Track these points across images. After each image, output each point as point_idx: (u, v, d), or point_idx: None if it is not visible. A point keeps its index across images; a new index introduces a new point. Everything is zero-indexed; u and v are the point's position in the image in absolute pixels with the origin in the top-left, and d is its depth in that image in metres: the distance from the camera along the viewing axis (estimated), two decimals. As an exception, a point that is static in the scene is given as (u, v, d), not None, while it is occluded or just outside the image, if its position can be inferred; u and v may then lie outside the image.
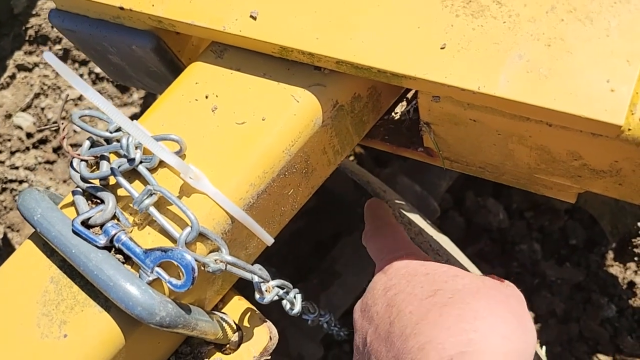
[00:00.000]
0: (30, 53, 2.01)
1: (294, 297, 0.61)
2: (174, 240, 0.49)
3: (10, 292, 0.50)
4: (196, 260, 0.47)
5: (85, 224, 0.49)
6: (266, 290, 0.56)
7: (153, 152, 0.48)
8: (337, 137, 0.55)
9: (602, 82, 0.41)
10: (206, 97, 0.52)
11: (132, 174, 0.50)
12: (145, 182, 0.50)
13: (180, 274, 0.48)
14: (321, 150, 0.55)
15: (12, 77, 2.01)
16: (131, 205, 0.50)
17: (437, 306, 0.45)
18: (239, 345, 0.58)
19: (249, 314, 0.59)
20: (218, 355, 0.58)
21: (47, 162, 1.94)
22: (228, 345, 0.58)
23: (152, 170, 0.50)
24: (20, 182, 1.90)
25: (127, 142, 0.49)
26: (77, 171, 0.52)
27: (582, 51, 0.42)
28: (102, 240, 0.48)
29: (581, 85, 0.42)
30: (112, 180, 0.52)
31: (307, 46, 0.48)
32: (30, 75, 2.01)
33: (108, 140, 0.52)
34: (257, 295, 0.55)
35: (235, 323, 0.59)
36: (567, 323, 1.43)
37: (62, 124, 0.52)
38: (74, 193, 0.51)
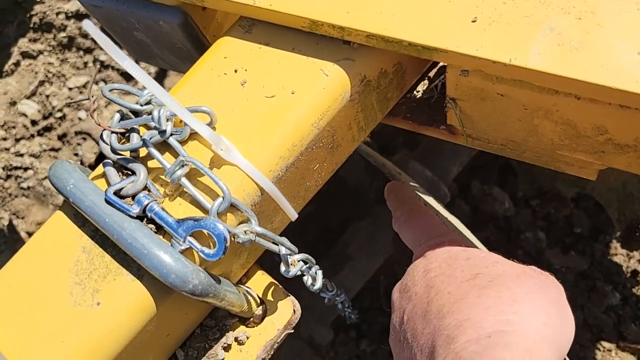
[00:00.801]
0: (35, 40, 2.01)
1: (316, 273, 0.61)
2: (205, 210, 0.49)
3: (42, 261, 0.50)
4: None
5: (117, 194, 0.49)
6: (291, 264, 0.56)
7: (187, 124, 0.48)
8: (362, 113, 0.56)
9: (632, 54, 0.42)
10: (235, 71, 0.53)
11: (162, 146, 0.51)
12: (175, 154, 0.50)
13: (211, 243, 0.49)
14: (347, 126, 0.55)
15: (17, 64, 2.01)
16: (162, 176, 0.51)
17: (476, 288, 0.46)
18: (262, 319, 0.59)
19: (272, 288, 0.60)
20: (242, 328, 0.58)
21: (52, 149, 1.94)
22: (252, 319, 0.59)
23: (182, 142, 0.51)
24: (25, 169, 1.91)
25: (159, 114, 0.49)
26: (107, 143, 0.52)
27: (613, 24, 0.43)
28: (136, 209, 0.48)
29: (612, 58, 0.42)
30: (142, 153, 0.52)
31: (337, 20, 0.49)
32: (34, 63, 2.00)
33: (138, 113, 0.52)
34: (282, 268, 0.56)
35: (258, 297, 0.60)
36: (572, 310, 1.45)
37: (93, 97, 0.52)
38: (104, 165, 0.52)
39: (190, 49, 0.61)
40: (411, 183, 0.85)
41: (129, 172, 0.52)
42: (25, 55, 1.98)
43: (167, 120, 0.50)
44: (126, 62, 0.44)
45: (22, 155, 1.91)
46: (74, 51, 2.00)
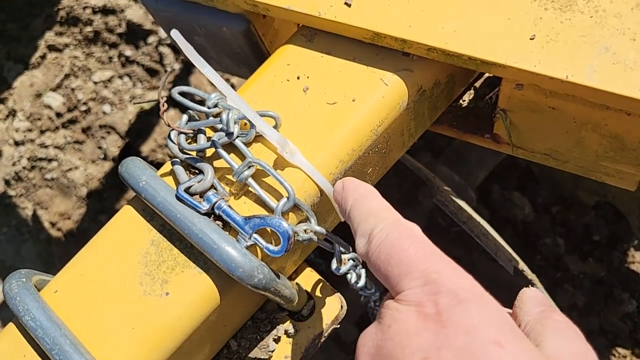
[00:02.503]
0: (61, 34, 2.04)
1: (360, 272, 0.64)
2: (268, 209, 0.52)
3: (112, 252, 0.53)
4: (290, 228, 0.51)
5: (186, 191, 0.52)
6: (342, 263, 0.59)
7: (255, 127, 0.51)
8: (414, 121, 0.59)
9: (684, 75, 0.45)
10: (297, 78, 0.56)
11: (228, 148, 0.54)
12: (240, 155, 0.53)
13: (274, 240, 0.52)
14: (400, 133, 0.58)
15: (43, 57, 2.04)
16: (227, 176, 0.54)
17: None
18: (310, 314, 0.62)
19: (320, 284, 0.63)
20: (291, 322, 0.61)
21: (76, 142, 1.97)
22: (301, 313, 0.62)
23: (246, 144, 0.54)
24: (50, 160, 1.94)
25: (228, 117, 0.52)
26: (175, 143, 0.55)
27: (666, 46, 0.46)
28: (205, 206, 0.51)
29: (664, 78, 0.45)
30: (207, 153, 0.55)
31: (400, 33, 0.52)
32: (60, 56, 2.04)
33: (205, 116, 0.55)
34: (334, 266, 0.59)
35: (307, 292, 0.62)
36: (588, 316, 1.47)
37: (163, 98, 0.55)
38: (172, 163, 0.55)
39: (248, 54, 0.64)
40: (445, 187, 0.88)
41: (196, 171, 0.55)
42: (51, 48, 2.01)
43: (235, 123, 0.53)
44: (206, 70, 0.47)
45: (46, 146, 1.95)
46: (100, 45, 2.03)
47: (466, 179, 1.09)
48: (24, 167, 1.91)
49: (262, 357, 0.60)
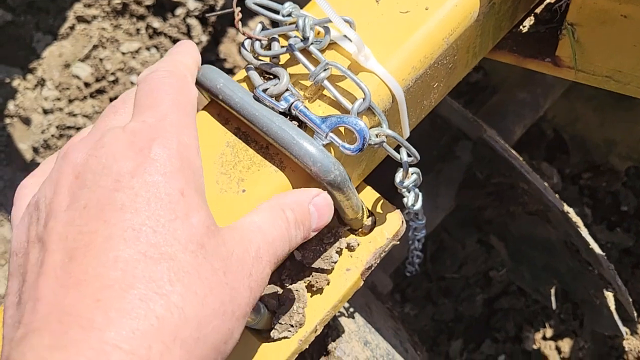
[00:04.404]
0: (90, 6, 2.06)
1: (418, 194, 0.66)
2: (344, 111, 0.53)
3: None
4: (364, 128, 0.52)
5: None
6: (407, 177, 0.60)
7: (336, 27, 0.52)
8: (480, 38, 0.60)
9: None
10: (370, -12, 0.57)
11: (302, 54, 0.55)
12: (314, 61, 0.55)
13: (347, 140, 0.53)
14: (466, 48, 0.59)
15: (72, 28, 2.06)
16: (301, 81, 0.56)
17: None
18: (370, 230, 0.63)
19: (381, 202, 0.64)
20: (353, 236, 0.63)
21: (104, 111, 1.98)
22: (361, 229, 0.63)
23: (320, 51, 0.55)
24: (78, 129, 1.96)
25: (304, 22, 0.53)
26: (248, 51, 0.57)
27: None
28: (283, 105, 0.53)
29: None
30: (281, 60, 0.57)
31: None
32: (89, 27, 2.06)
33: (279, 24, 0.57)
34: (397, 179, 0.60)
35: (368, 210, 0.64)
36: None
37: (238, 7, 0.57)
38: (247, 69, 0.56)
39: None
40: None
41: (270, 77, 0.56)
42: (80, 19, 2.03)
43: (310, 28, 0.54)
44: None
45: (75, 115, 1.97)
46: (127, 17, 2.05)
47: (503, 136, 1.10)
48: (52, 135, 1.94)
49: (325, 267, 0.61)
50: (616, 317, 1.06)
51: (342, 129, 0.53)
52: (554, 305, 1.33)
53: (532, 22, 0.66)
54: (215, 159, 0.54)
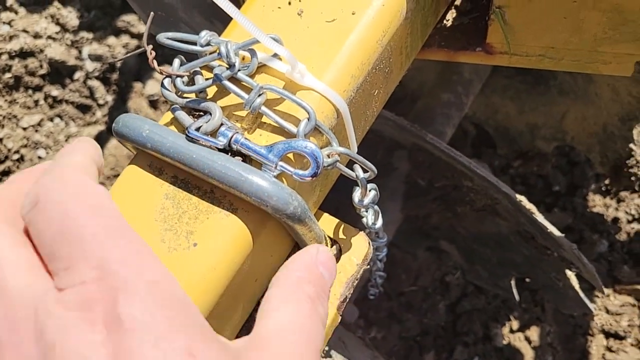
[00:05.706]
0: None
1: (378, 210, 0.62)
2: (289, 135, 0.49)
3: (125, 215, 0.48)
4: (315, 150, 0.48)
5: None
6: (366, 194, 0.56)
7: (266, 48, 0.48)
8: (410, 36, 0.57)
9: None
10: (289, 3, 0.53)
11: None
12: (244, 88, 0.50)
13: (299, 167, 0.48)
14: (399, 49, 0.56)
15: None
16: (235, 113, 0.50)
17: None
18: (338, 259, 0.59)
19: (342, 227, 0.59)
20: (320, 270, 0.57)
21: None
22: (327, 259, 0.58)
23: (250, 77, 0.51)
24: None
25: (227, 48, 0.49)
26: (169, 90, 0.51)
27: None
28: (222, 141, 0.47)
29: None
30: (208, 94, 0.51)
31: None
32: None
33: (198, 55, 0.51)
34: (356, 198, 0.56)
35: (330, 238, 0.59)
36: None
37: (149, 45, 0.51)
38: (173, 110, 0.51)
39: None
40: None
41: (200, 114, 0.50)
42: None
43: (235, 54, 0.49)
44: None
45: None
46: (22, 91, 1.93)
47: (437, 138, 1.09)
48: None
49: (299, 309, 0.55)
50: (582, 295, 1.06)
51: (291, 155, 0.48)
52: (516, 297, 1.32)
53: (454, 15, 0.65)
54: (156, 215, 0.48)
